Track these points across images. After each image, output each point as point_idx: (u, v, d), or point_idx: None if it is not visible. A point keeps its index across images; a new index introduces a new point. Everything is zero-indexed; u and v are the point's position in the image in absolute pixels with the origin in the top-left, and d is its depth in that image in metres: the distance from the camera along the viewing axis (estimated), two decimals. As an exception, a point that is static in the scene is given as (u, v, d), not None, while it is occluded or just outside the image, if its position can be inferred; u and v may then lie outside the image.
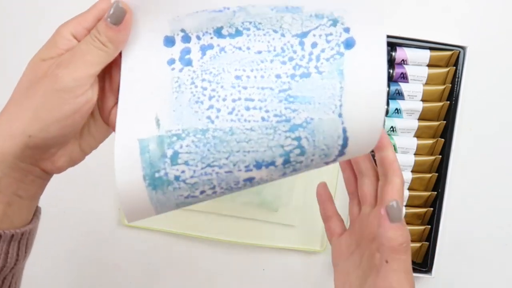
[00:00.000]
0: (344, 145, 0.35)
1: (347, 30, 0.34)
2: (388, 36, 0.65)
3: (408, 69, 0.65)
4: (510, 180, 0.69)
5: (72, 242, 0.67)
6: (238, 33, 0.35)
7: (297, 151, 0.35)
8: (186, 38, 0.36)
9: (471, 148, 0.68)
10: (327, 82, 0.34)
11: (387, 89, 0.65)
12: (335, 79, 0.34)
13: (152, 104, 0.35)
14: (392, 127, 0.65)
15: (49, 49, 0.34)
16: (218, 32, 0.35)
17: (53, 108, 0.33)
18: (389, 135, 0.66)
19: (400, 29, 0.65)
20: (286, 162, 0.35)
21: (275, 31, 0.35)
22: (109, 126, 0.37)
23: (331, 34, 0.35)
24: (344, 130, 0.35)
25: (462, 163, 0.67)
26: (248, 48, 0.35)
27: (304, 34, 0.35)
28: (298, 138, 0.35)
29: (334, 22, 0.35)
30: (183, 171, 0.35)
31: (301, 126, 0.34)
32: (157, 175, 0.35)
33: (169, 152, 0.35)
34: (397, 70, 0.65)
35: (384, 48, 0.34)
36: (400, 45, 0.65)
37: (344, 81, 0.34)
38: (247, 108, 0.35)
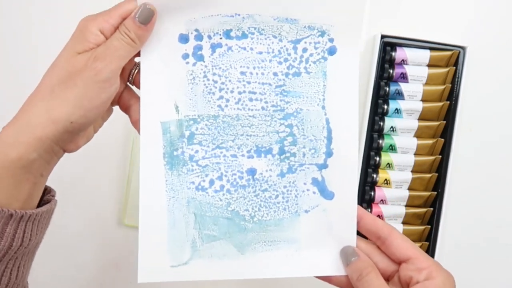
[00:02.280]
0: (329, 138, 0.43)
1: (331, 40, 0.43)
2: (388, 36, 0.65)
3: (408, 69, 0.65)
4: (510, 180, 0.69)
5: (72, 242, 0.67)
6: (244, 36, 0.42)
7: (290, 139, 0.43)
8: (199, 37, 0.42)
9: (471, 148, 0.68)
10: (313, 80, 0.43)
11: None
12: (320, 79, 0.43)
13: (171, 93, 0.42)
14: (392, 127, 0.65)
15: (81, 43, 0.38)
16: (227, 34, 0.42)
17: (94, 97, 0.38)
18: (388, 135, 0.66)
19: (400, 29, 0.65)
20: (281, 151, 0.43)
21: (275, 37, 0.42)
22: (121, 107, 0.43)
23: (319, 42, 0.43)
24: (328, 121, 0.43)
25: (462, 163, 0.67)
26: (252, 49, 0.42)
27: (298, 41, 0.43)
28: (290, 126, 0.43)
29: (322, 34, 0.42)
30: (197, 151, 0.43)
31: (292, 115, 0.43)
32: (175, 153, 0.42)
33: (187, 133, 0.42)
34: (397, 70, 0.65)
35: (357, 57, 0.43)
36: (400, 45, 0.65)
37: (327, 80, 0.43)
38: (251, 99, 0.43)
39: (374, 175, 0.65)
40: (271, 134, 0.43)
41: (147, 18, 0.39)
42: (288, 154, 0.43)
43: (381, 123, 0.65)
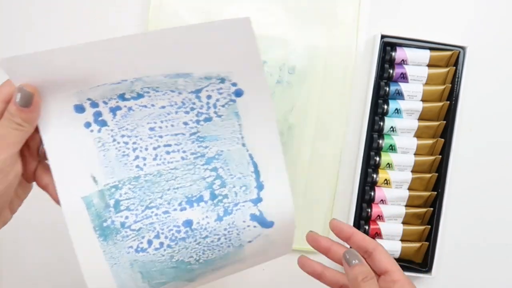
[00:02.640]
0: (256, 172, 0.42)
1: (234, 84, 0.40)
2: (388, 36, 0.65)
3: (408, 69, 0.65)
4: (509, 180, 0.69)
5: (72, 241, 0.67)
6: (140, 96, 0.40)
7: (218, 182, 0.42)
8: (94, 104, 0.39)
9: (471, 148, 0.68)
10: (227, 122, 0.41)
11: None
12: (233, 119, 0.41)
13: (83, 165, 0.40)
14: (392, 127, 0.65)
15: None
16: (122, 97, 0.40)
17: None
18: (388, 135, 0.66)
19: (400, 29, 0.65)
20: (213, 196, 0.42)
21: (172, 91, 0.40)
22: (38, 185, 0.41)
23: (221, 88, 0.40)
24: (251, 156, 0.42)
25: (462, 163, 0.67)
26: (153, 105, 0.40)
27: (198, 91, 0.40)
28: (215, 169, 0.42)
29: (222, 80, 0.40)
30: (127, 217, 0.41)
31: (214, 158, 0.42)
32: (105, 224, 0.41)
33: (112, 202, 0.41)
34: (397, 70, 0.65)
35: (267, 92, 0.40)
36: (400, 45, 0.65)
37: (241, 120, 0.41)
38: (168, 152, 0.41)
39: (374, 175, 0.65)
40: (198, 181, 0.42)
41: (28, 101, 0.36)
42: (220, 197, 0.42)
43: (381, 123, 0.65)
